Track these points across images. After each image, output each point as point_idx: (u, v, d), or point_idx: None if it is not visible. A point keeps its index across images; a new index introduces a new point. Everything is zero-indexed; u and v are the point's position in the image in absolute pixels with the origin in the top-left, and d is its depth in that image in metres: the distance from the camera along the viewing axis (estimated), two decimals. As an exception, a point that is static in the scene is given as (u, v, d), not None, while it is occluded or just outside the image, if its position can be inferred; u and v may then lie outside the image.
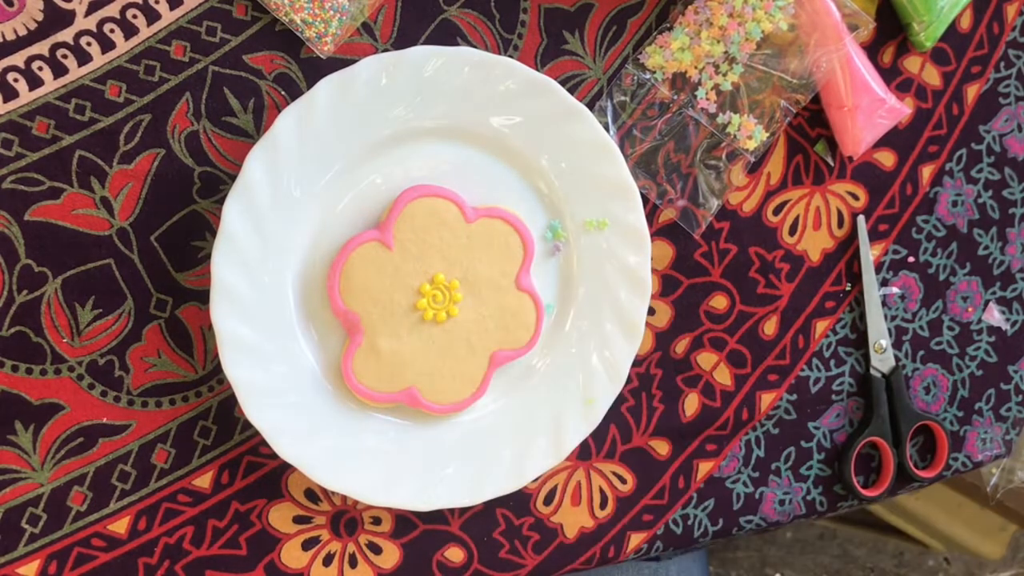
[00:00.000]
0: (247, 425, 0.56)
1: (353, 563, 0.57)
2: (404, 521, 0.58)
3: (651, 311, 0.60)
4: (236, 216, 0.52)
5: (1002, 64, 0.65)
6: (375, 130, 0.54)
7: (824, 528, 1.37)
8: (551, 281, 0.57)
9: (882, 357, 0.64)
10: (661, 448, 0.61)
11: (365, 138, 0.54)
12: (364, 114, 0.53)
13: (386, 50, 0.55)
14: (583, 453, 0.60)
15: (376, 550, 0.58)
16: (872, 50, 0.62)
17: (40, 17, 0.52)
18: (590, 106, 0.58)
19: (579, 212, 0.56)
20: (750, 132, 0.59)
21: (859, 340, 0.64)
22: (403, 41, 0.56)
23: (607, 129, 0.58)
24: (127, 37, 0.53)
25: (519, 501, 0.59)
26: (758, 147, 0.60)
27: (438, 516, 0.58)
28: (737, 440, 0.62)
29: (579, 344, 0.57)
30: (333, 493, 0.57)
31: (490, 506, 0.59)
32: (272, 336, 0.53)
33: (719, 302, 0.62)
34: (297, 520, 0.57)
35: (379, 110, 0.53)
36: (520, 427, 0.57)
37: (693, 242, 0.61)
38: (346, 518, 0.57)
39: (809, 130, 0.62)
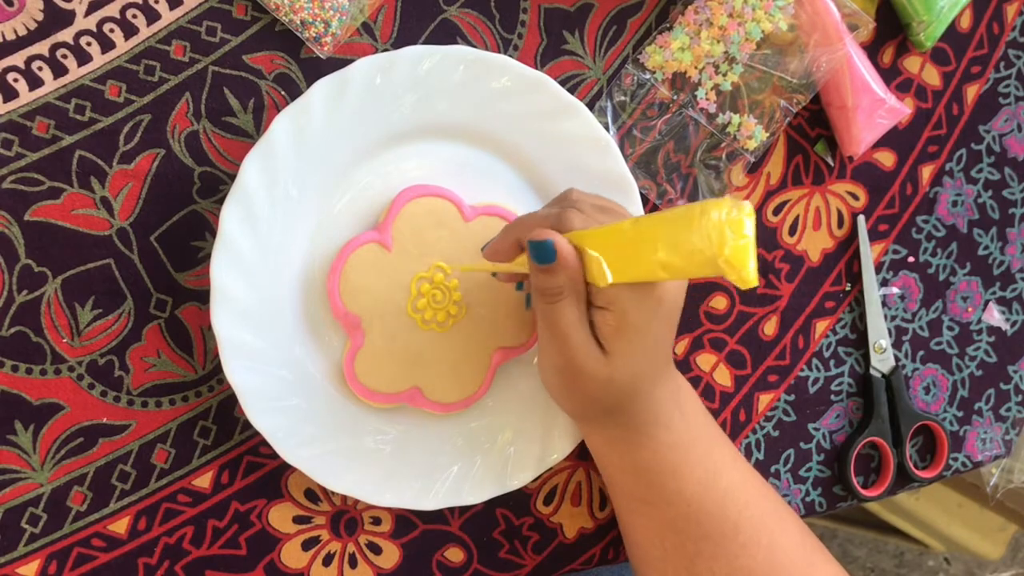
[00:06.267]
0: (247, 425, 0.55)
1: (353, 563, 0.57)
2: (404, 521, 0.58)
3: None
4: (234, 221, 0.51)
5: (1002, 64, 0.65)
6: (372, 130, 0.53)
7: (824, 528, 1.37)
8: (551, 281, 0.57)
9: (882, 357, 0.64)
10: (661, 448, 0.61)
11: (362, 139, 0.53)
12: (360, 115, 0.53)
13: (386, 50, 0.55)
14: (583, 453, 0.60)
15: (376, 550, 0.57)
16: (872, 50, 0.62)
17: (40, 17, 0.52)
18: (590, 106, 0.58)
19: (579, 212, 0.56)
20: (750, 132, 0.59)
21: (859, 340, 0.64)
22: (403, 41, 0.56)
23: (607, 129, 0.58)
24: (127, 37, 0.53)
25: (519, 501, 0.59)
26: (758, 147, 0.60)
27: (438, 516, 0.58)
28: (737, 444, 0.62)
29: (579, 344, 0.57)
30: (333, 493, 0.57)
31: (490, 506, 0.59)
32: (273, 340, 0.53)
33: (719, 302, 0.62)
34: (297, 520, 0.57)
35: (375, 110, 0.53)
36: (521, 426, 0.57)
37: (693, 242, 0.61)
38: (346, 518, 0.57)
39: (809, 130, 0.62)
